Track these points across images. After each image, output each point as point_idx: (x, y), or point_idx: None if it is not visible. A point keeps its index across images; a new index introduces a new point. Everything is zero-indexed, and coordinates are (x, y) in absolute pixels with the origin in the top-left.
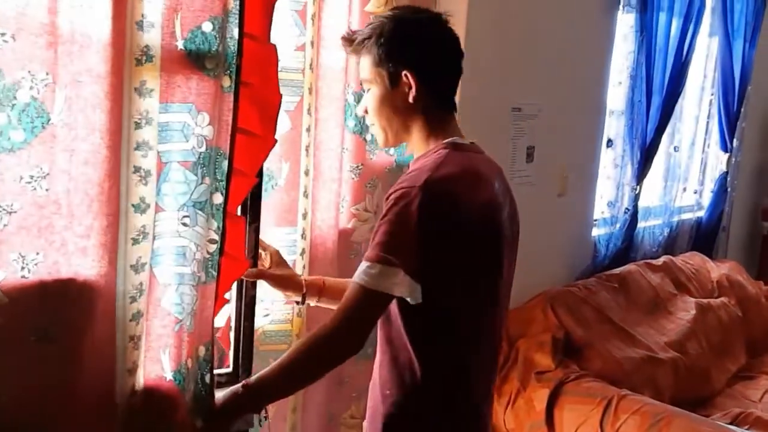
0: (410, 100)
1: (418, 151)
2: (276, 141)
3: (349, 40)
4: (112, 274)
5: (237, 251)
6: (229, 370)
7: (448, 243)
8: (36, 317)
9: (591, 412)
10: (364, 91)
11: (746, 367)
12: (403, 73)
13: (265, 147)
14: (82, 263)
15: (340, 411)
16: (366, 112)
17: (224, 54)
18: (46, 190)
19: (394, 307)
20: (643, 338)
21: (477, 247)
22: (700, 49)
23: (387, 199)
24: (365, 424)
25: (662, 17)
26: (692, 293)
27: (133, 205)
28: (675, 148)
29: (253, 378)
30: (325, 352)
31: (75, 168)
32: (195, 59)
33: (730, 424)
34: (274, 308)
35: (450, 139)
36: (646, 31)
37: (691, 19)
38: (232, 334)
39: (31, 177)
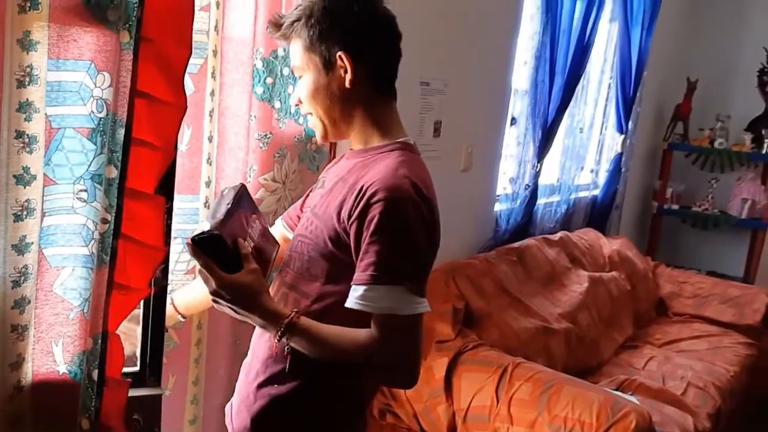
0: (347, 84)
1: (359, 143)
2: (187, 107)
3: (277, 24)
4: None
5: (153, 237)
6: (137, 369)
7: (432, 254)
8: None
9: (487, 380)
10: (294, 78)
11: (632, 338)
12: (338, 54)
13: (175, 114)
14: None
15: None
16: (300, 102)
17: (125, 4)
18: None
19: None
20: (539, 309)
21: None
22: (602, 34)
23: (357, 204)
24: (228, 408)
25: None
26: (586, 267)
27: (14, 176)
28: (580, 129)
29: (303, 323)
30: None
31: None
32: (95, 10)
33: (616, 389)
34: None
35: (403, 140)
36: (551, 12)
37: (594, 3)
38: (139, 330)
39: None
